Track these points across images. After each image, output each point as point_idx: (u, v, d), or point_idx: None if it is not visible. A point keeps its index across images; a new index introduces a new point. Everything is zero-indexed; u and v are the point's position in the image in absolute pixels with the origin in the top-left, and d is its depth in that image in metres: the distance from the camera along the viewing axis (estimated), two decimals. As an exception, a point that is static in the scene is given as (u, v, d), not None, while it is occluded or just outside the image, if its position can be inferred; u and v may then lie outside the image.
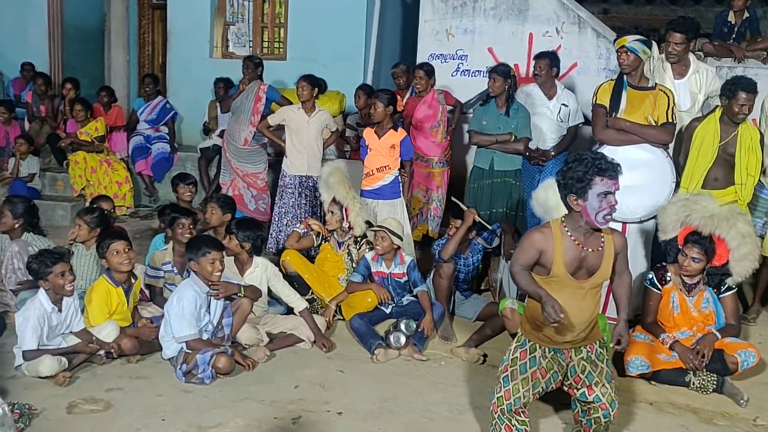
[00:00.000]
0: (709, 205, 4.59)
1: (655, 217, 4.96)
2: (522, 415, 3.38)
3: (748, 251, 4.53)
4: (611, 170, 3.13)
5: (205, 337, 4.44)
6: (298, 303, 4.92)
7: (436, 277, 5.20)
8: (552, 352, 3.38)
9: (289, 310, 5.06)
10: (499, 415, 3.37)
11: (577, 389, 3.40)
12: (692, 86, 5.44)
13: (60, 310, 4.37)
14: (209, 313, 4.49)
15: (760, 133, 5.26)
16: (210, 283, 4.43)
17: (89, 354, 4.36)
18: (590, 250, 3.24)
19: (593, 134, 5.14)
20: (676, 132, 5.13)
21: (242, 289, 4.63)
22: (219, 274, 4.44)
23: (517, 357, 3.40)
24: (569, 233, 3.23)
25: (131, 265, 4.60)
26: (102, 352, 4.37)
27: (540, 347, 3.39)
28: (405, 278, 5.24)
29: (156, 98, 8.50)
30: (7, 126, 8.40)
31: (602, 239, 3.27)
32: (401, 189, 5.85)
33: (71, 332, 4.41)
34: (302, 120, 6.39)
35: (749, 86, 4.95)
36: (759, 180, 5.24)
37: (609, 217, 3.17)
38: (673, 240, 4.65)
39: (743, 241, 4.52)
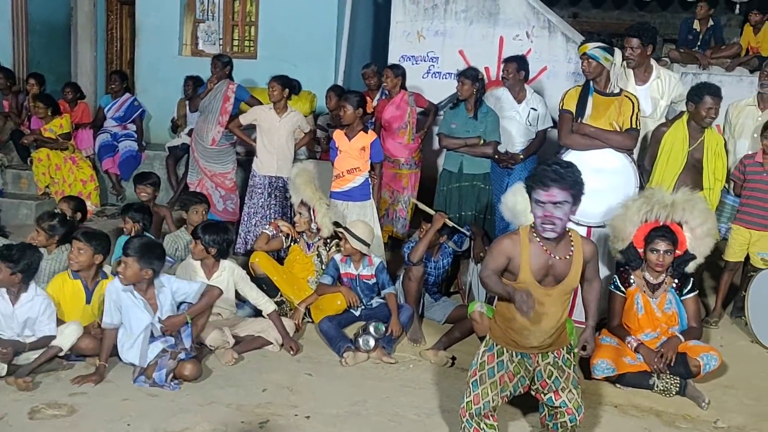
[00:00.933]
0: (665, 195, 4.70)
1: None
2: (490, 418, 3.40)
3: (710, 226, 4.69)
4: (544, 180, 3.07)
5: (163, 346, 4.32)
6: (266, 305, 4.90)
7: (405, 279, 5.22)
8: (519, 357, 3.40)
9: (257, 313, 5.04)
10: (467, 419, 3.38)
11: (544, 394, 3.43)
12: (654, 92, 5.53)
13: (12, 303, 4.30)
14: (149, 313, 4.35)
15: (724, 139, 5.37)
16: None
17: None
18: (558, 257, 3.23)
19: (559, 139, 5.20)
20: (640, 138, 5.21)
21: (189, 319, 4.39)
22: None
23: (485, 361, 3.42)
24: (538, 240, 3.22)
25: (78, 266, 4.57)
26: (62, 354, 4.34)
27: (507, 351, 3.41)
28: (373, 280, 5.24)
29: (123, 95, 8.37)
30: (-31, 121, 8.24)
31: (572, 247, 3.27)
32: (371, 191, 5.85)
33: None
34: (273, 120, 6.35)
35: (715, 91, 5.07)
36: (724, 185, 5.36)
37: (548, 227, 3.11)
38: (630, 246, 4.70)
39: (705, 219, 4.66)
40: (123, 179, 8.20)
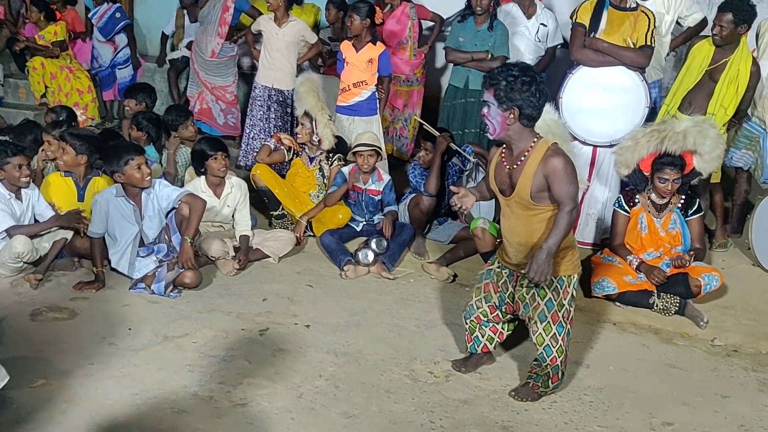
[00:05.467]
0: (675, 124, 4.49)
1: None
2: (484, 327, 3.53)
3: (720, 151, 4.56)
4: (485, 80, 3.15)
5: (156, 258, 4.33)
6: (245, 226, 4.87)
7: (414, 208, 5.09)
8: (506, 271, 3.42)
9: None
10: (463, 318, 3.59)
11: (526, 321, 3.39)
12: (659, 6, 5.31)
13: (21, 200, 4.41)
14: (137, 223, 4.37)
15: (756, 62, 5.06)
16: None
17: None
18: (508, 166, 3.20)
19: (570, 53, 5.05)
20: (653, 55, 5.03)
21: (189, 240, 4.29)
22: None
23: (483, 270, 3.56)
24: (504, 149, 3.24)
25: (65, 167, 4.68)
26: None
27: (498, 263, 3.46)
28: (380, 196, 5.18)
29: (104, 4, 7.67)
30: (-37, 29, 8.02)
31: (523, 157, 3.14)
32: (378, 106, 5.73)
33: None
34: (273, 30, 6.15)
35: (731, 7, 4.78)
36: (749, 113, 5.18)
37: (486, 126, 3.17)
38: (636, 171, 4.58)
39: (716, 144, 4.50)
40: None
